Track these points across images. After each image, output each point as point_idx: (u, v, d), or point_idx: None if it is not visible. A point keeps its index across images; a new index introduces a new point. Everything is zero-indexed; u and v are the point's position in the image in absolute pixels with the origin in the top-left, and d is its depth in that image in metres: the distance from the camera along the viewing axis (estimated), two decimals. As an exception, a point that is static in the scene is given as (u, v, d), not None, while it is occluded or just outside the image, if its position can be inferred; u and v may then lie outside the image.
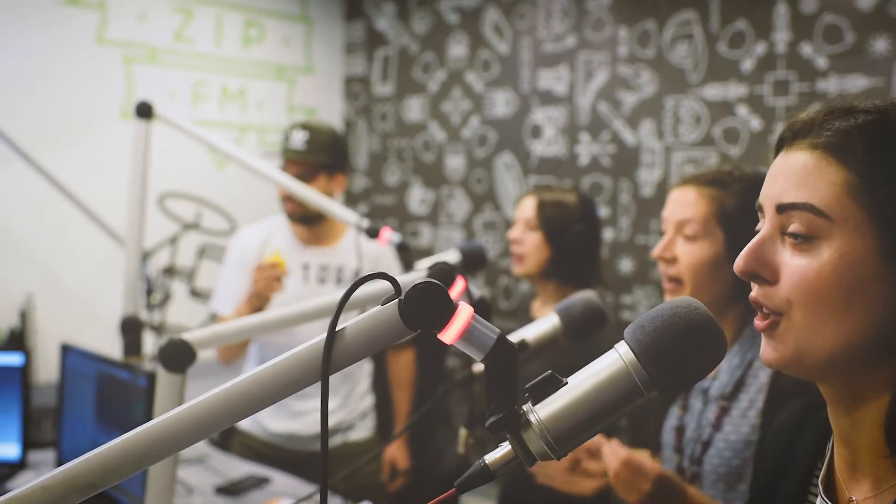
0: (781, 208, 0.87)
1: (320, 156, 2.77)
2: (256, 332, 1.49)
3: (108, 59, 3.94)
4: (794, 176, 0.87)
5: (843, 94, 3.07)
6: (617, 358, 0.77)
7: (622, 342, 0.78)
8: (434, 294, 0.75)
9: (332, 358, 0.75)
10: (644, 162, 3.70)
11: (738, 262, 0.89)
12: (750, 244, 0.90)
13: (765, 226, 0.90)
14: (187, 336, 1.32)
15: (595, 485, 2.43)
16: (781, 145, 0.92)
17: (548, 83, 4.03)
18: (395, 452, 3.05)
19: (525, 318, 2.65)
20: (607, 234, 3.81)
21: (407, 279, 1.35)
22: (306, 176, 2.75)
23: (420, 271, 1.54)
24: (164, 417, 0.74)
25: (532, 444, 0.77)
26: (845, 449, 0.92)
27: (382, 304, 0.77)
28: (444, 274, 1.46)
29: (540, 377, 0.78)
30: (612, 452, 1.77)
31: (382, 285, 1.39)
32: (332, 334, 0.76)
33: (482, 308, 1.50)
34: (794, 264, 0.85)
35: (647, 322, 0.77)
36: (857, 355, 0.84)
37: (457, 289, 1.46)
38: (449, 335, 0.76)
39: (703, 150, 3.50)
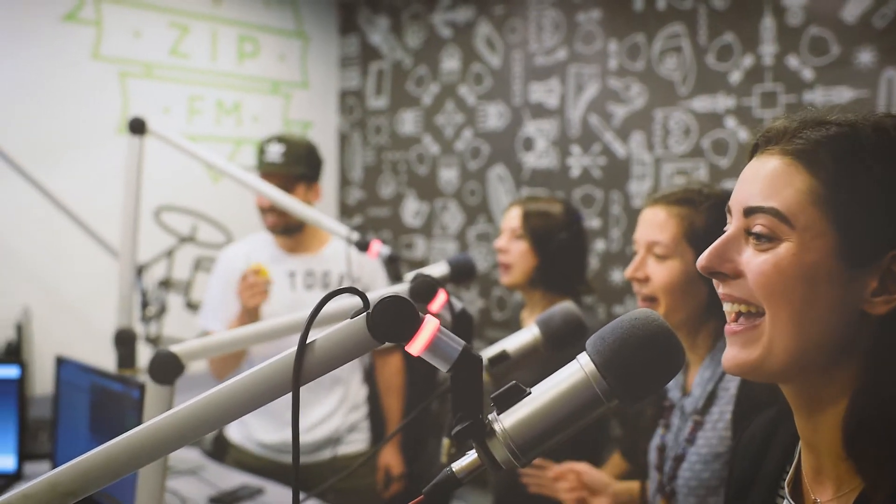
0: (748, 211, 0.90)
1: (298, 167, 2.79)
2: (244, 343, 1.51)
3: (104, 74, 3.97)
4: (762, 180, 0.90)
5: (829, 104, 3.12)
6: (578, 368, 0.79)
7: (583, 353, 0.81)
8: (400, 308, 0.79)
9: (302, 369, 0.79)
10: (634, 174, 3.73)
11: (701, 260, 0.92)
12: (714, 243, 0.92)
13: (731, 227, 0.93)
14: (175, 348, 1.35)
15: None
16: (755, 151, 0.95)
17: (539, 96, 4.07)
18: (389, 458, 3.07)
19: (517, 328, 2.67)
20: (599, 246, 3.84)
21: (388, 291, 1.38)
22: (285, 188, 2.75)
23: (404, 283, 1.57)
24: (141, 428, 0.77)
25: (497, 452, 0.79)
26: (809, 452, 0.94)
27: (351, 318, 0.80)
28: (425, 286, 1.49)
29: (504, 387, 0.81)
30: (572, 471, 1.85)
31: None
32: (303, 346, 0.79)
33: (463, 320, 1.53)
34: (754, 261, 0.88)
35: (608, 333, 0.79)
36: (815, 358, 0.87)
37: (438, 301, 1.49)
38: (415, 347, 0.79)
39: (692, 161, 3.54)
